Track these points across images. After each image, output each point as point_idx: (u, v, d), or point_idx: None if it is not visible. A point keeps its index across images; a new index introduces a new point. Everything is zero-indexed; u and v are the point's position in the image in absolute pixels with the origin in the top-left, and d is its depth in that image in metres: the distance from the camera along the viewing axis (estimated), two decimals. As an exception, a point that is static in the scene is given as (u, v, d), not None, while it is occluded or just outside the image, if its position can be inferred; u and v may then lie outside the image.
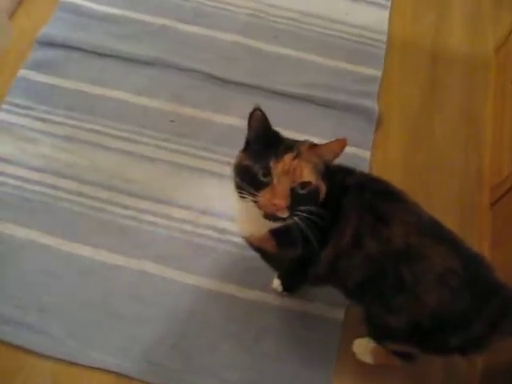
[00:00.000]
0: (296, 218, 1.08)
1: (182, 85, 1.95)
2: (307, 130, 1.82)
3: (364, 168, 1.79)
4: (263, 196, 1.07)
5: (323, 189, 1.12)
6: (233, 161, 1.19)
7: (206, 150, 1.82)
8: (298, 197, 1.07)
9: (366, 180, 1.25)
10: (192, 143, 1.83)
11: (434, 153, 1.90)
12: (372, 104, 1.95)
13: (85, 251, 1.64)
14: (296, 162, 1.07)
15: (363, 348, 1.51)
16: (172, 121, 1.88)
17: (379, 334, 1.36)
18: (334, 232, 1.17)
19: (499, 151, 1.84)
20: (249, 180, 1.10)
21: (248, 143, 1.16)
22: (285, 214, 1.06)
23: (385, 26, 2.16)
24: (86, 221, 1.69)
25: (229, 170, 1.75)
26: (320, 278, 1.31)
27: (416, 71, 2.08)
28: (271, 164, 1.07)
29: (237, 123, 1.86)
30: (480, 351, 1.24)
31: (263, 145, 1.11)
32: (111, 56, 1.98)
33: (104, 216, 1.69)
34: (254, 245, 1.32)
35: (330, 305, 1.59)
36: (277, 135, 1.14)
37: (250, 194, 1.08)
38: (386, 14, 2.20)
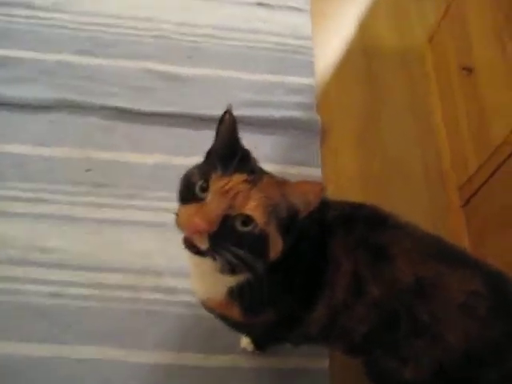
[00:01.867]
0: (222, 260, 0.82)
1: (91, 126, 1.66)
2: None
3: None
4: (185, 209, 0.83)
5: (277, 244, 0.85)
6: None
7: (132, 198, 1.54)
8: (233, 232, 0.81)
9: (348, 210, 1.01)
10: (115, 192, 1.55)
11: (389, 158, 1.72)
12: (312, 115, 1.75)
13: (6, 348, 1.30)
14: (245, 186, 0.82)
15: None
16: (88, 170, 1.58)
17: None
18: (323, 285, 0.93)
19: (459, 144, 1.67)
20: (184, 192, 0.87)
21: (208, 154, 0.93)
22: (203, 244, 0.80)
23: (308, 31, 1.98)
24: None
25: (165, 216, 1.55)
26: (311, 338, 1.06)
27: (350, 73, 1.91)
28: (213, 176, 0.83)
29: (163, 161, 1.62)
30: None
31: (223, 157, 0.85)
32: (1, 105, 1.66)
33: (20, 299, 1.36)
34: (215, 311, 1.06)
35: (311, 355, 1.34)
36: (245, 152, 0.89)
37: (181, 202, 0.86)
38: (306, 18, 2.02)
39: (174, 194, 1.51)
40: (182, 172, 1.59)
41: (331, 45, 1.98)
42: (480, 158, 1.49)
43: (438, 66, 1.88)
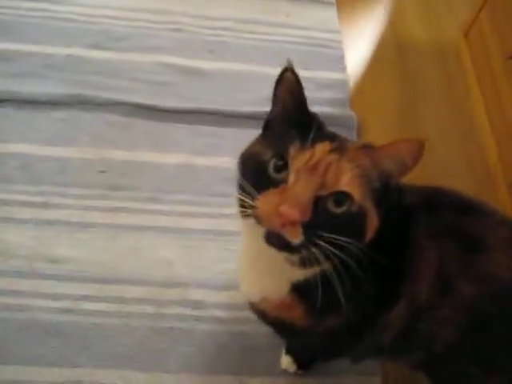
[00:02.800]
0: (317, 253, 0.65)
1: (106, 124, 1.50)
2: None
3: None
4: (266, 198, 0.66)
5: (374, 220, 0.70)
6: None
7: (152, 202, 1.38)
8: (327, 216, 0.66)
9: (429, 194, 0.84)
10: (133, 196, 1.38)
11: (432, 156, 1.56)
12: (346, 111, 1.60)
13: (6, 373, 1.13)
14: (334, 157, 0.67)
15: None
16: (102, 171, 1.42)
17: None
18: (405, 280, 0.77)
19: (507, 139, 1.52)
20: (254, 176, 0.70)
21: (267, 125, 0.77)
22: (296, 237, 0.65)
23: (335, 24, 1.83)
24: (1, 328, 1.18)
25: (189, 221, 1.38)
26: (380, 350, 0.88)
27: (384, 68, 1.76)
28: (291, 150, 0.67)
29: (185, 161, 1.46)
30: None
31: (290, 125, 0.70)
32: (7, 101, 1.50)
33: (27, 315, 1.19)
34: (269, 315, 0.87)
35: (361, 374, 1.17)
36: (314, 117, 0.74)
37: (250, 199, 0.68)
38: (332, 11, 1.87)
39: (198, 197, 1.39)
40: (206, 173, 1.48)
41: (361, 39, 1.83)
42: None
43: (477, 59, 1.73)
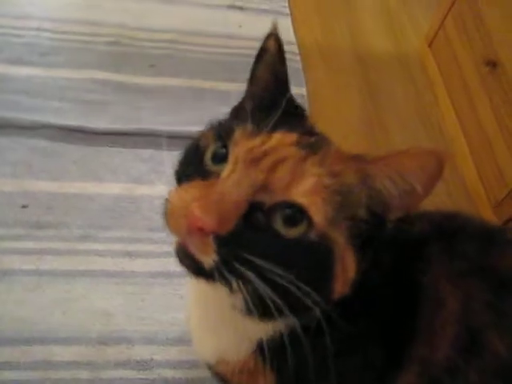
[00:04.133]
0: (236, 283, 0.47)
1: (28, 150, 1.26)
2: None
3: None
4: (182, 191, 0.50)
5: (348, 264, 0.50)
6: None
7: (85, 241, 1.15)
8: (267, 236, 0.47)
9: (442, 220, 0.66)
10: (61, 234, 1.15)
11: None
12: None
13: None
14: (295, 152, 0.49)
15: None
16: (24, 206, 1.18)
17: None
18: (414, 340, 0.57)
19: (487, 154, 1.38)
20: (186, 164, 0.56)
21: (235, 110, 0.63)
22: (206, 255, 0.47)
23: (290, 36, 1.66)
24: None
25: (129, 263, 1.16)
26: None
27: (346, 82, 1.60)
28: (237, 134, 0.51)
29: (122, 191, 1.24)
30: None
31: (259, 106, 0.56)
32: None
33: None
34: (230, 381, 0.66)
35: None
36: (296, 105, 0.58)
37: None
38: (287, 21, 1.71)
39: (139, 233, 1.17)
40: (148, 204, 1.26)
41: (319, 51, 1.67)
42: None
43: (445, 69, 1.60)
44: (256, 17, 1.70)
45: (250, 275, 0.45)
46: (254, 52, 1.64)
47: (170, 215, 0.50)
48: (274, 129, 0.51)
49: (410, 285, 0.58)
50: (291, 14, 1.75)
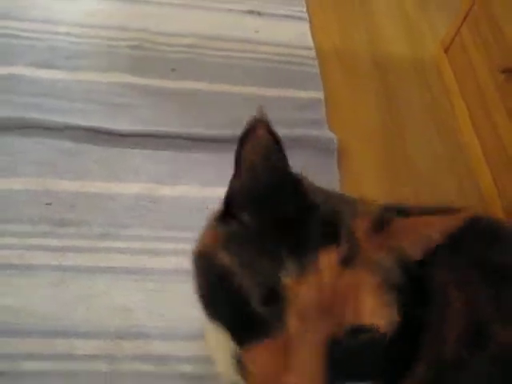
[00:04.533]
0: None
1: (53, 150, 1.30)
2: None
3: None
4: (258, 356, 0.48)
5: (394, 322, 0.52)
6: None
7: (106, 239, 1.18)
8: (343, 357, 0.48)
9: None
10: (83, 232, 1.19)
11: (419, 182, 1.42)
12: (326, 133, 1.44)
13: None
14: (348, 276, 0.48)
15: None
16: (48, 204, 1.22)
17: None
18: (423, 341, 0.59)
19: (500, 160, 1.39)
20: (228, 305, 0.52)
21: (230, 202, 0.58)
22: None
23: (309, 41, 1.69)
24: None
25: (149, 261, 1.20)
26: None
27: (363, 87, 1.62)
28: (287, 281, 0.47)
29: (143, 191, 1.27)
30: None
31: (267, 216, 0.52)
32: None
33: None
34: None
35: None
36: (302, 193, 0.54)
37: (233, 337, 0.51)
38: (305, 26, 1.73)
39: (159, 232, 1.21)
40: (168, 204, 1.29)
41: (337, 56, 1.69)
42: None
43: (461, 75, 1.62)
44: (274, 22, 1.73)
45: None
46: (271, 57, 1.67)
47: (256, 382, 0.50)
48: (315, 251, 0.48)
49: (416, 283, 0.60)
50: (309, 19, 1.78)
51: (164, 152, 1.34)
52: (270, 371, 0.47)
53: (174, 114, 1.43)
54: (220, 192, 1.41)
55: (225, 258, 0.52)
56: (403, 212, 0.54)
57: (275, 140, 0.52)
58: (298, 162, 1.37)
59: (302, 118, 1.47)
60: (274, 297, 0.48)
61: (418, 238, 0.51)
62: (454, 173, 1.47)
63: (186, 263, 1.14)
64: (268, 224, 0.52)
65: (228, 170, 1.44)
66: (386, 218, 0.53)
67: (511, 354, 0.59)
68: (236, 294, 0.50)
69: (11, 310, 1.07)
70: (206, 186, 1.30)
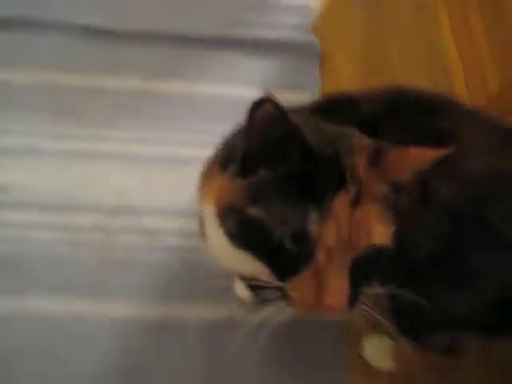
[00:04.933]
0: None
1: (54, 46, 1.41)
2: (235, 80, 1.41)
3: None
4: (300, 287, 0.60)
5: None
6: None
7: (106, 128, 1.32)
8: (361, 265, 0.60)
9: (390, 98, 0.77)
10: (85, 121, 1.32)
11: (397, 80, 1.51)
12: (310, 37, 1.53)
13: None
14: (359, 213, 0.58)
15: (378, 349, 1.09)
16: (53, 95, 1.34)
17: (431, 325, 0.87)
18: None
19: (474, 62, 1.47)
20: (263, 250, 0.61)
21: (245, 162, 0.63)
22: (343, 311, 0.60)
23: None
24: None
25: (142, 148, 1.32)
26: None
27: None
28: (312, 227, 0.57)
29: (140, 85, 1.39)
30: None
31: (284, 172, 0.60)
32: None
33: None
34: None
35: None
36: (310, 150, 0.60)
37: (274, 275, 0.61)
38: None
39: (154, 123, 1.32)
40: (163, 98, 1.36)
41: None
42: (504, 75, 1.31)
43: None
44: None
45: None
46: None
47: (302, 308, 0.61)
48: (332, 197, 0.57)
49: None
50: None
51: (160, 50, 1.44)
52: (309, 297, 0.58)
53: (171, 13, 1.51)
54: (207, 89, 1.51)
55: (255, 212, 0.60)
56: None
57: (282, 115, 0.57)
58: (283, 63, 1.48)
59: (288, 22, 1.55)
60: (304, 239, 0.58)
61: (410, 170, 0.60)
62: (431, 75, 1.55)
63: (178, 153, 1.29)
64: (283, 177, 0.60)
65: (215, 68, 1.55)
66: (379, 151, 0.62)
67: (451, 207, 0.70)
68: (272, 242, 0.59)
69: (23, 187, 1.22)
70: (194, 83, 1.41)
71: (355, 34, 1.61)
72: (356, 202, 0.58)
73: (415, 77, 1.55)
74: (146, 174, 1.27)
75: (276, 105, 0.55)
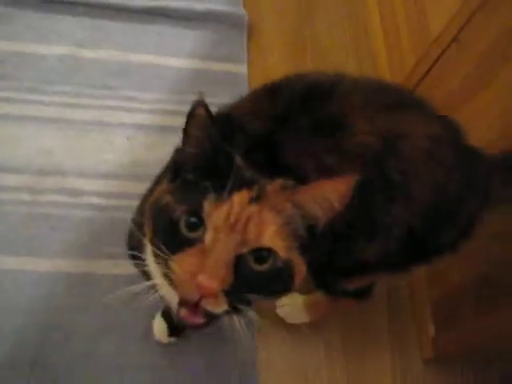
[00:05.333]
0: (241, 313, 0.64)
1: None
2: (165, 51, 1.47)
3: (243, 86, 1.42)
4: (182, 262, 0.61)
5: (302, 270, 0.66)
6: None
7: (34, 92, 1.36)
8: (249, 276, 0.62)
9: (272, 88, 0.82)
10: (14, 86, 1.36)
11: (323, 62, 1.59)
12: (238, 10, 1.58)
13: None
14: (254, 208, 0.62)
15: (294, 306, 1.18)
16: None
17: (347, 275, 0.94)
18: None
19: (395, 44, 1.57)
20: (166, 233, 0.64)
21: (178, 169, 0.68)
22: (219, 306, 0.61)
23: None
24: None
25: (69, 112, 1.36)
26: None
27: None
28: (206, 206, 0.61)
29: (68, 52, 1.44)
30: (468, 238, 0.87)
31: (204, 172, 0.64)
32: None
33: None
34: None
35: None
36: (230, 158, 0.65)
37: (164, 257, 0.63)
38: None
39: (81, 89, 1.37)
40: (90, 65, 1.42)
41: None
42: (418, 54, 1.40)
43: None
44: None
45: (245, 308, 0.63)
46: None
47: (179, 285, 0.61)
48: (231, 192, 0.61)
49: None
50: None
51: (88, 19, 1.48)
52: (188, 271, 0.59)
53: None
54: (139, 58, 1.52)
55: (167, 198, 0.65)
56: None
57: (211, 117, 0.62)
58: (210, 35, 1.53)
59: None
60: (197, 221, 0.61)
61: (319, 199, 0.63)
62: (356, 53, 1.64)
63: (102, 116, 1.34)
64: (201, 175, 0.64)
65: (147, 39, 1.57)
66: (290, 183, 0.65)
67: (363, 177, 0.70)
68: (172, 218, 0.63)
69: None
70: (125, 52, 1.45)
71: (284, 7, 1.68)
72: (254, 200, 0.63)
73: (341, 58, 1.63)
74: (73, 136, 1.31)
75: (207, 109, 0.61)
